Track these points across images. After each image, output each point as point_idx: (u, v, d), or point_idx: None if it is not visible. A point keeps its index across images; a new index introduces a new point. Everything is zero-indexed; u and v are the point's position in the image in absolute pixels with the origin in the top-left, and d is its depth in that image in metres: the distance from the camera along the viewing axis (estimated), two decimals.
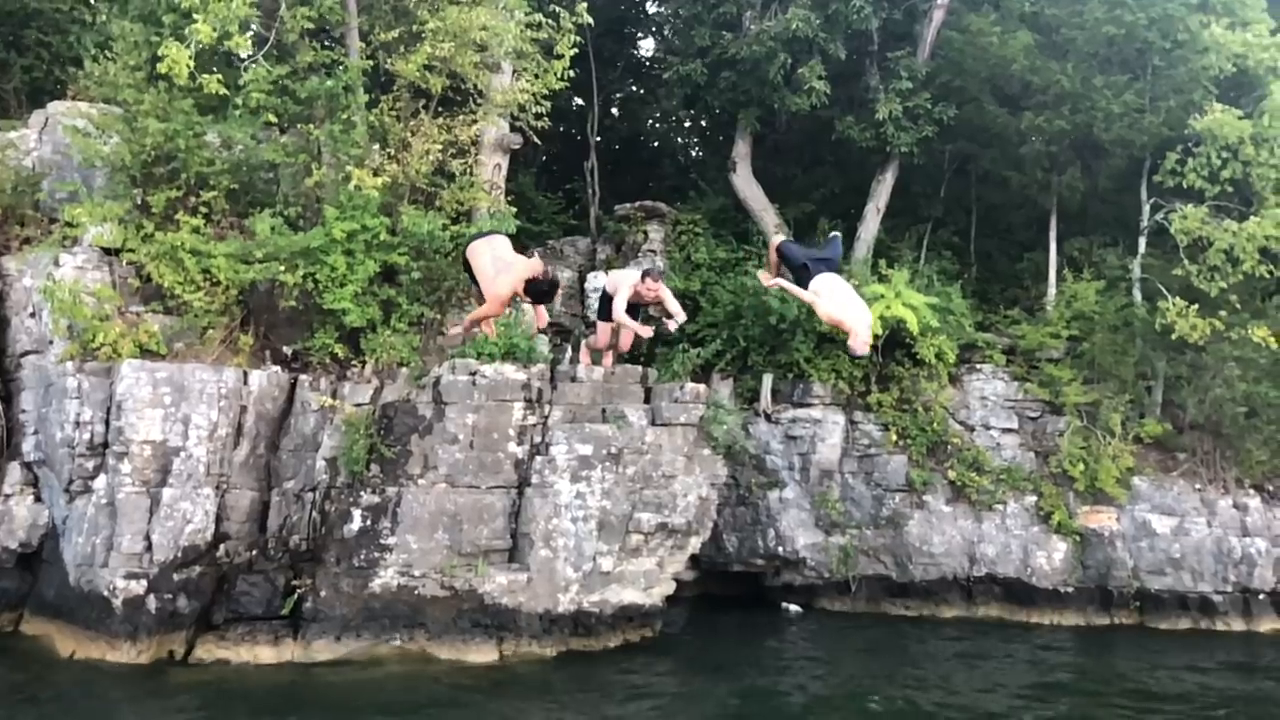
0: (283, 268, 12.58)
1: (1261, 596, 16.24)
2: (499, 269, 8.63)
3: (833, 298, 8.79)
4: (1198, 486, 16.78)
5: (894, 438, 17.05)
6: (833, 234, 10.14)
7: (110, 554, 11.20)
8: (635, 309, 12.04)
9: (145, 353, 12.14)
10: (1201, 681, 13.12)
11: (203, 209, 13.09)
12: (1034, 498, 16.64)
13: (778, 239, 10.05)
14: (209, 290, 12.66)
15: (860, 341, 8.63)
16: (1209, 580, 16.09)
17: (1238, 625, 16.15)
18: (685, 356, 15.33)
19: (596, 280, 19.43)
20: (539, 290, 8.69)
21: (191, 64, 11.96)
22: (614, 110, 24.79)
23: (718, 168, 21.04)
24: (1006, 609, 16.47)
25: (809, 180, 21.40)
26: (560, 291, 19.06)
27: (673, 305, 11.09)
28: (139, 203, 13.08)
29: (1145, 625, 16.22)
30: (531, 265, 8.70)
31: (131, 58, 13.31)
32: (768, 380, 17.44)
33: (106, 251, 12.80)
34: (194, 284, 12.59)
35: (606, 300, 12.14)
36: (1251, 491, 16.90)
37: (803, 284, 8.90)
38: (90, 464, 11.64)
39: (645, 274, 11.40)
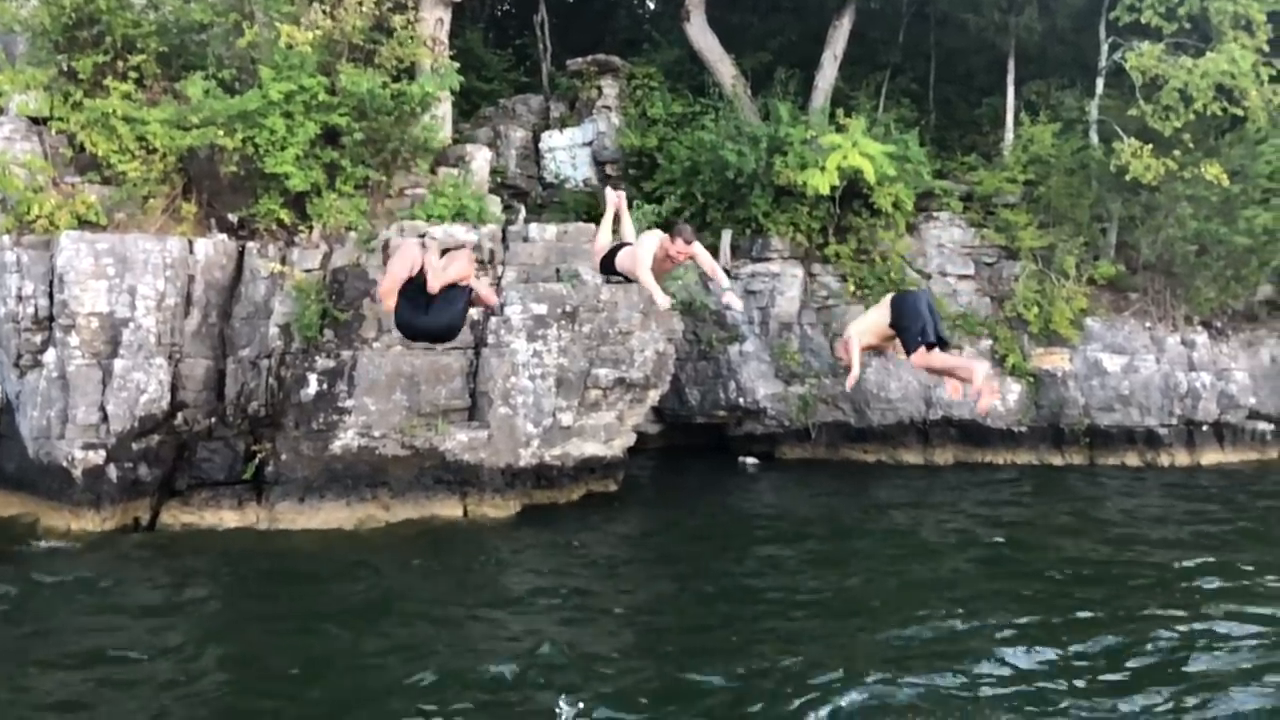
0: (221, 132, 12.22)
1: (1205, 428, 16.80)
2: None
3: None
4: (1148, 325, 17.11)
5: (852, 288, 17.17)
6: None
7: (66, 426, 11.23)
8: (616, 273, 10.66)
9: (84, 224, 11.91)
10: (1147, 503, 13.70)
11: (132, 74, 12.64)
12: (989, 342, 16.93)
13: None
14: (145, 158, 12.33)
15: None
16: (1155, 414, 16.59)
17: (1182, 458, 16.73)
18: (641, 213, 15.19)
19: (551, 140, 19.13)
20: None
21: None
22: None
23: (672, 18, 20.39)
24: (962, 450, 16.95)
25: (765, 28, 20.85)
26: (514, 152, 18.82)
27: (708, 262, 9.67)
28: (64, 69, 12.60)
29: (1095, 462, 16.77)
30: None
31: None
32: (727, 236, 17.38)
33: (34, 121, 12.40)
34: (129, 152, 12.25)
35: (609, 258, 10.75)
36: (1199, 328, 17.27)
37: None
38: (37, 338, 11.55)
39: (675, 232, 9.63)
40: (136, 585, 9.69)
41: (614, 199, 11.48)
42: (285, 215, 12.82)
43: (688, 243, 9.40)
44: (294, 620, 8.65)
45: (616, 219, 10.30)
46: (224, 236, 12.73)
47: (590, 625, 8.65)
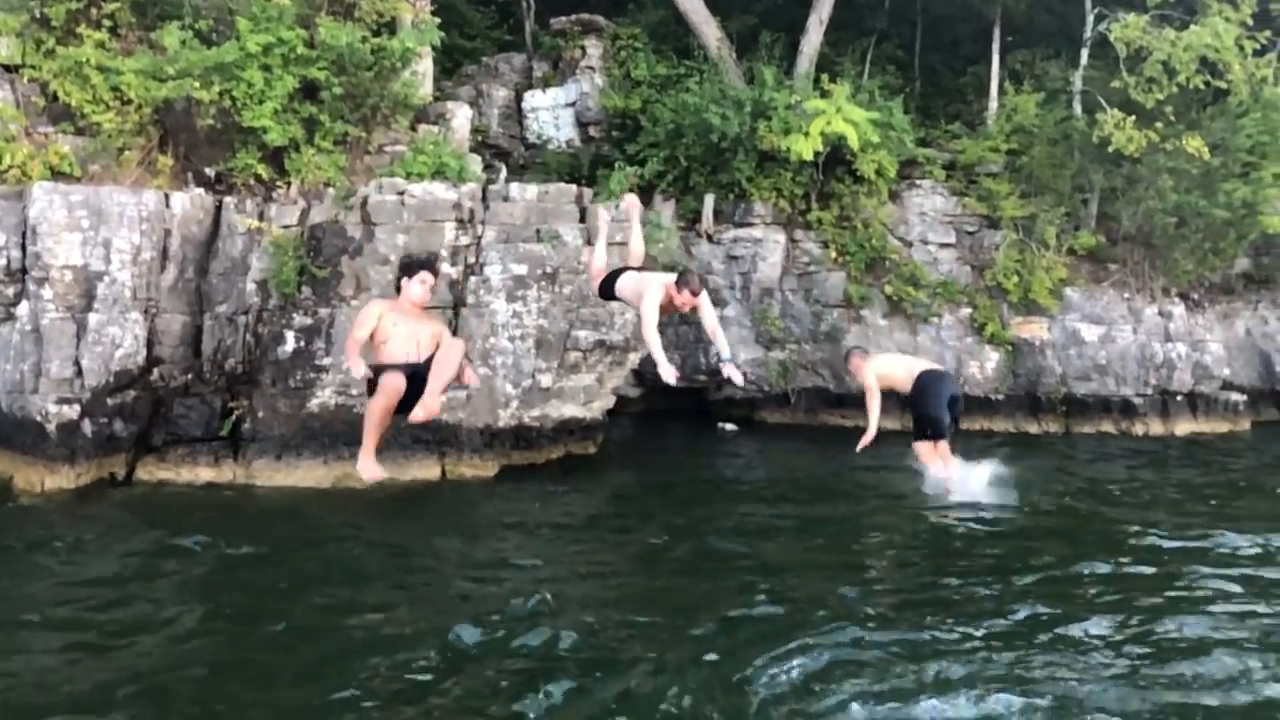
0: (197, 84, 12.03)
1: (1179, 398, 16.98)
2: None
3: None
4: (1126, 296, 17.23)
5: (833, 255, 17.19)
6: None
7: (40, 380, 11.10)
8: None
9: (58, 175, 11.73)
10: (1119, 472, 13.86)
11: (106, 22, 12.39)
12: (969, 310, 17.01)
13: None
14: (120, 109, 12.13)
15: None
16: (1131, 384, 16.75)
17: (1156, 427, 16.92)
18: (622, 175, 15.15)
19: (534, 100, 18.97)
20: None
21: None
22: None
23: None
24: None
25: None
26: (496, 111, 18.66)
27: (711, 321, 8.89)
28: (37, 15, 12.32)
29: (1070, 430, 16.92)
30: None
31: None
32: (709, 201, 17.36)
33: (6, 68, 12.17)
34: (103, 103, 12.06)
35: (610, 282, 9.85)
36: (1176, 299, 17.42)
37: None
38: (10, 290, 11.39)
39: (682, 282, 8.84)
40: (112, 544, 9.63)
41: (605, 218, 11.27)
42: (263, 170, 12.67)
43: (695, 294, 8.93)
44: (276, 580, 8.60)
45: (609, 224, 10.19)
46: (201, 191, 12.57)
47: (569, 584, 8.67)
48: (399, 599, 8.14)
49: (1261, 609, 7.57)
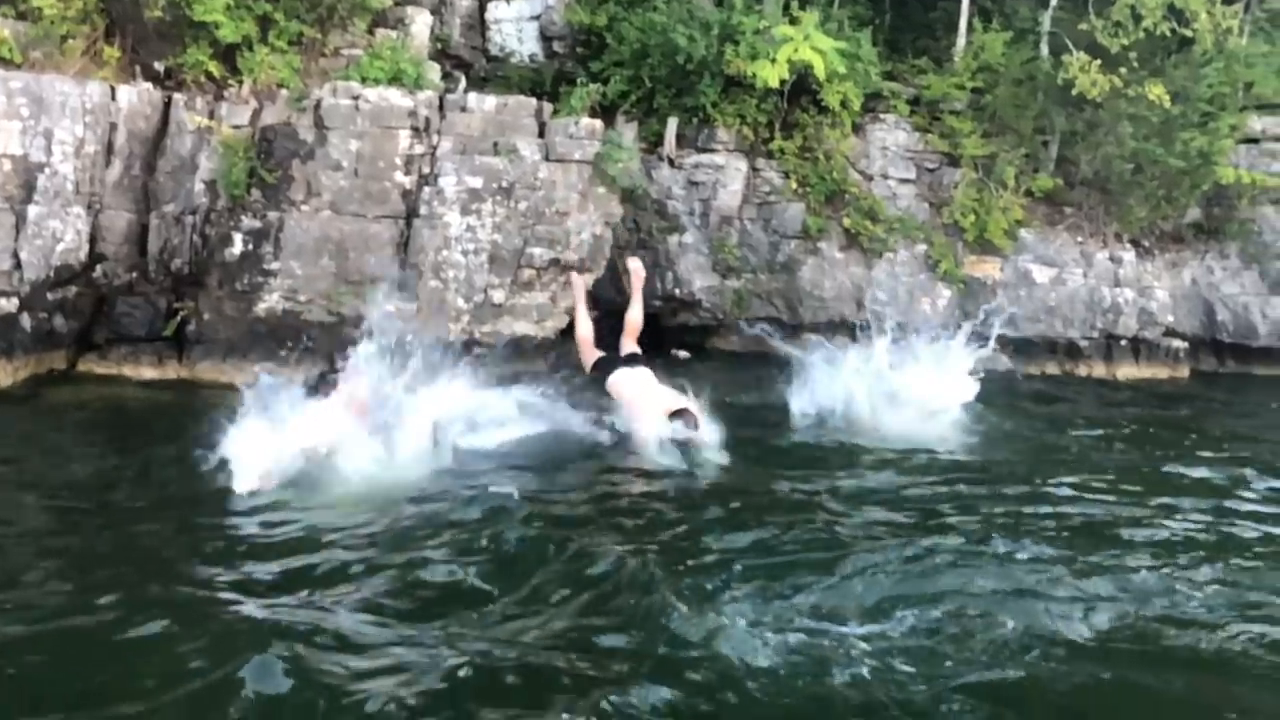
0: None
1: (1123, 343, 17.34)
2: None
3: None
4: (1079, 240, 17.42)
5: (794, 185, 17.13)
6: None
7: None
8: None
9: None
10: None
11: None
12: (924, 247, 17.10)
13: None
14: None
15: None
16: (1078, 327, 17.04)
17: (1099, 370, 17.28)
18: (585, 92, 14.88)
19: (497, 11, 18.53)
20: None
21: None
22: None
23: None
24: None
25: None
26: (459, 21, 18.22)
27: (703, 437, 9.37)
28: None
29: (1015, 369, 17.15)
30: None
31: None
32: (672, 124, 17.16)
33: None
34: None
35: (607, 367, 10.72)
36: (1128, 246, 17.65)
37: None
38: None
39: (681, 412, 9.61)
40: (51, 439, 9.50)
41: (580, 283, 11.24)
42: (214, 68, 12.31)
43: (692, 426, 9.64)
44: (221, 480, 8.44)
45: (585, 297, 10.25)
46: (149, 85, 12.22)
47: (526, 483, 8.63)
48: (349, 500, 8.03)
49: (1186, 538, 7.82)
